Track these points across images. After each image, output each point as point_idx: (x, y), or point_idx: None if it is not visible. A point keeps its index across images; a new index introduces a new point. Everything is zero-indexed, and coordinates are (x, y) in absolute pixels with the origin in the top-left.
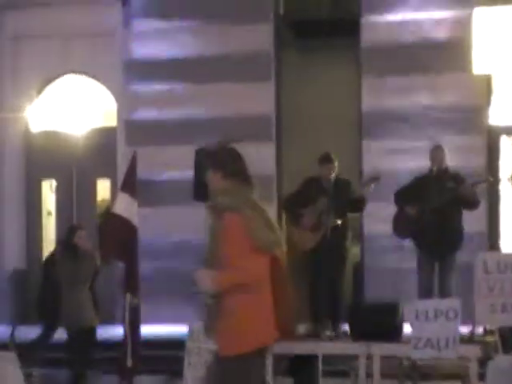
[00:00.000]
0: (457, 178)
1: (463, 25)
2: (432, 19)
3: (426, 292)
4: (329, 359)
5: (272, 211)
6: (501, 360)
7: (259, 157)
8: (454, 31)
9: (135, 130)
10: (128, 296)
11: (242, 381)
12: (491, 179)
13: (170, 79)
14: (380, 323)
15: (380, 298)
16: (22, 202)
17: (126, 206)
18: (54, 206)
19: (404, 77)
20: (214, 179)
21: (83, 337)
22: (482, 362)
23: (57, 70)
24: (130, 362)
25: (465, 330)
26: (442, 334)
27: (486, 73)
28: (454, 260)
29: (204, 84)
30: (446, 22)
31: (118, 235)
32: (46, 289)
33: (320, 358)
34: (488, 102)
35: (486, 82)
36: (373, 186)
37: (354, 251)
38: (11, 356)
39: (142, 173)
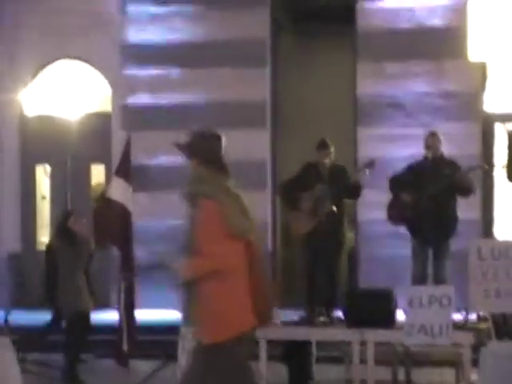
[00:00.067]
0: (452, 164)
1: (459, 12)
2: (428, 6)
3: (419, 279)
4: (323, 345)
5: (266, 197)
6: (494, 346)
7: (254, 143)
8: (450, 18)
9: (130, 115)
10: (124, 277)
11: (222, 369)
12: (486, 167)
13: (166, 64)
14: (374, 310)
15: (374, 285)
16: (17, 186)
17: (120, 191)
18: (48, 191)
19: (399, 63)
20: (190, 166)
21: (79, 321)
22: (476, 349)
23: (52, 54)
24: (125, 346)
25: (459, 316)
26: (436, 321)
27: (482, 60)
28: (448, 247)
29: (200, 69)
30: (441, 9)
31: (113, 220)
32: (51, 275)
33: (314, 344)
34: (483, 89)
35: (482, 69)
36: (368, 171)
37: (349, 236)
38: (5, 341)
39: (137, 158)
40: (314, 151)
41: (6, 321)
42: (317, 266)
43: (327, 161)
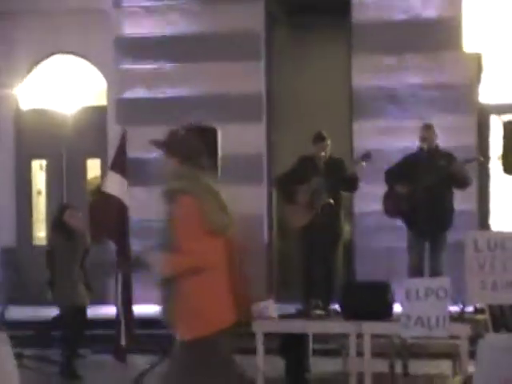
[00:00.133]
0: (448, 156)
1: (454, 3)
2: None
3: (416, 271)
4: (319, 338)
5: (262, 190)
6: (491, 338)
7: (250, 136)
8: (445, 9)
9: (126, 109)
10: (120, 276)
11: (202, 365)
12: (482, 159)
13: (161, 58)
14: (371, 302)
15: (371, 277)
16: (12, 180)
17: (116, 185)
18: (44, 185)
19: (395, 56)
20: (169, 164)
21: (76, 315)
22: (473, 341)
23: (47, 49)
24: (123, 341)
25: (455, 308)
26: (433, 313)
27: (477, 51)
28: (445, 239)
29: (195, 63)
30: (436, 1)
31: (109, 214)
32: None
33: (311, 337)
34: (478, 81)
35: (477, 60)
36: (364, 163)
37: (346, 228)
38: (2, 336)
39: (133, 152)
40: (309, 144)
41: (1, 315)
42: (313, 259)
43: (324, 154)
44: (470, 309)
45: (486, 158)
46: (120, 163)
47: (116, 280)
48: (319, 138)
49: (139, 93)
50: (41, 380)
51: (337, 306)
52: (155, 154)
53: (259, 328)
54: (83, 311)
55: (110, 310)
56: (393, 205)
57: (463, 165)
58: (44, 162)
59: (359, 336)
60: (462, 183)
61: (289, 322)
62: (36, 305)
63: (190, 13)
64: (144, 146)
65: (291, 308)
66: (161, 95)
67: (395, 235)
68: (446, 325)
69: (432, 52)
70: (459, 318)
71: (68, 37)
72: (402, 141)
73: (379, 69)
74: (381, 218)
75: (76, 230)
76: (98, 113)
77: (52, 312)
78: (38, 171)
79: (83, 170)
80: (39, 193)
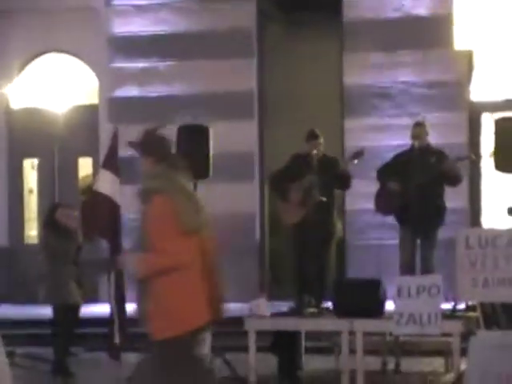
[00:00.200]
0: (439, 153)
1: (444, 0)
2: None
3: (408, 268)
4: (312, 336)
5: (254, 187)
6: (483, 335)
7: (242, 134)
8: (436, 7)
9: (117, 108)
10: (113, 274)
11: (175, 364)
12: (473, 157)
13: (153, 56)
14: (363, 299)
15: (362, 275)
16: (4, 179)
17: (108, 184)
18: (35, 184)
19: (386, 53)
20: (145, 164)
21: (68, 313)
22: (465, 338)
23: (39, 47)
24: (117, 339)
25: (447, 305)
26: (425, 310)
27: (468, 49)
28: (436, 236)
29: (187, 61)
30: None
31: (101, 213)
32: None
33: (303, 335)
34: (470, 79)
35: (468, 57)
36: (356, 161)
37: (338, 226)
38: None
39: (124, 150)
40: (301, 141)
41: None
42: (306, 257)
43: (316, 151)
44: (461, 306)
45: (478, 155)
46: (112, 162)
47: (109, 278)
48: (312, 136)
49: (131, 91)
50: (33, 378)
51: (329, 304)
52: None
53: (251, 326)
54: (75, 309)
55: (103, 309)
56: (385, 202)
57: (455, 162)
58: (36, 161)
59: (351, 333)
60: (454, 181)
61: (281, 320)
62: (28, 303)
63: (182, 11)
64: None
65: (283, 306)
66: (153, 93)
67: (387, 233)
68: (438, 322)
69: (423, 50)
70: (451, 315)
71: (60, 35)
72: (393, 138)
73: (371, 66)
74: (373, 215)
75: (68, 229)
76: (90, 111)
77: (43, 310)
78: (30, 170)
79: (75, 168)
80: (31, 191)
